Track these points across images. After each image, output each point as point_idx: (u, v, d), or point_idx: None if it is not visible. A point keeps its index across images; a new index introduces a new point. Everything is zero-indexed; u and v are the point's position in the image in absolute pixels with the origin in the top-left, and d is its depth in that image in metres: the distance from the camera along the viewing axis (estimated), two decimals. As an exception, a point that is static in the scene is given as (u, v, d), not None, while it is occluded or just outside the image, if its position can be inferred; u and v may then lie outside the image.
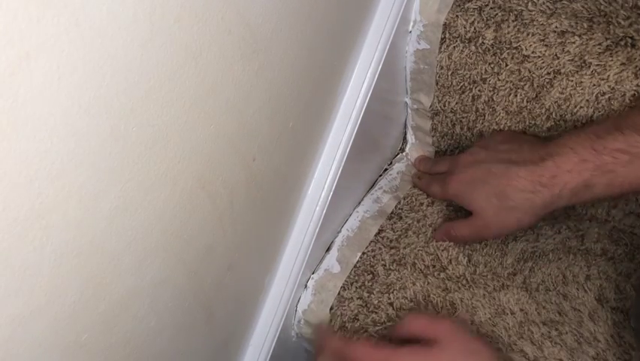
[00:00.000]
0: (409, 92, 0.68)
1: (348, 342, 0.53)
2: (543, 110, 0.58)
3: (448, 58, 0.61)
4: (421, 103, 0.68)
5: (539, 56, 0.56)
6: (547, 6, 0.56)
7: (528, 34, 0.56)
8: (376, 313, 0.61)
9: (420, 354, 0.49)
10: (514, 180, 0.53)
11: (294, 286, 0.62)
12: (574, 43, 0.54)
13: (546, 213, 0.53)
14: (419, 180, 0.71)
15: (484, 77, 0.60)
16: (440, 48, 0.61)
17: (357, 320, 0.61)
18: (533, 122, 0.60)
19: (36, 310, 0.32)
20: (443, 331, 0.50)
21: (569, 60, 0.54)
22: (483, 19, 0.57)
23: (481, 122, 0.64)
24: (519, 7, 0.56)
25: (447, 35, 0.60)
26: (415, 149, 0.75)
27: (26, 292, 0.31)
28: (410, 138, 0.74)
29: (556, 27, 0.55)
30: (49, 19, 0.25)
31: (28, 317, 0.31)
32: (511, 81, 0.59)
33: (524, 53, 0.56)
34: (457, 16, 0.58)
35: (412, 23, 0.61)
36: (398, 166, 0.75)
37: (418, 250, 0.64)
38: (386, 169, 0.75)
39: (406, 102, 0.70)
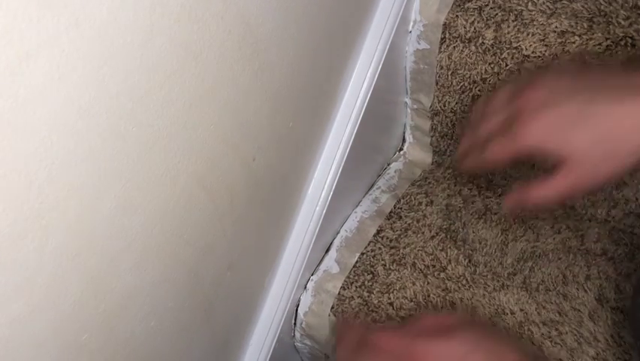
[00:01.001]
0: (409, 92, 0.68)
1: (370, 329, 0.53)
2: (543, 110, 0.58)
3: (448, 58, 0.61)
4: (421, 103, 0.68)
5: (539, 56, 0.56)
6: (548, 6, 0.56)
7: (528, 34, 0.56)
8: (376, 312, 0.61)
9: (438, 339, 0.48)
10: (625, 119, 0.44)
11: (294, 286, 0.62)
12: (574, 43, 0.54)
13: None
14: (466, 160, 0.53)
15: (484, 77, 0.60)
16: (440, 48, 0.61)
17: (358, 317, 0.61)
18: (533, 122, 0.59)
19: (36, 310, 0.32)
20: (454, 320, 0.50)
21: (569, 60, 0.54)
22: (483, 19, 0.57)
23: (481, 122, 0.64)
24: (519, 7, 0.56)
25: (447, 35, 0.60)
26: (412, 148, 0.75)
27: (26, 292, 0.31)
28: (408, 137, 0.74)
29: (556, 27, 0.55)
30: (49, 19, 0.25)
31: (28, 317, 0.31)
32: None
33: (524, 52, 0.56)
34: (457, 16, 0.58)
35: (411, 23, 0.61)
36: (395, 165, 0.75)
37: (418, 250, 0.64)
38: (384, 169, 0.75)
39: (405, 102, 0.70)
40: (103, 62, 0.29)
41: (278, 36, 0.43)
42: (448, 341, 0.48)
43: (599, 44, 0.53)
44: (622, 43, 0.53)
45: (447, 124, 0.68)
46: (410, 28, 0.61)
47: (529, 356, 0.48)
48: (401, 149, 0.76)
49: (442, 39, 0.60)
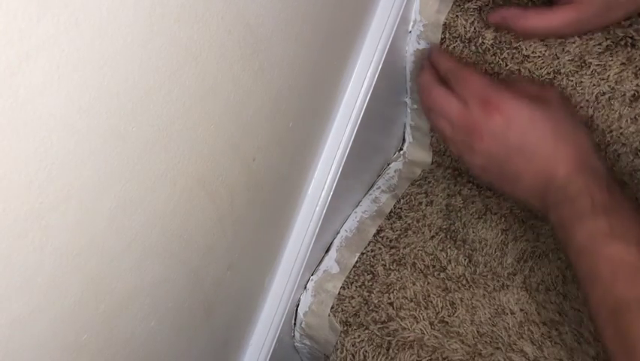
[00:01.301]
0: (409, 92, 0.68)
1: (463, 65, 0.52)
2: (543, 110, 0.58)
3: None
4: (418, 103, 0.68)
5: (539, 56, 0.56)
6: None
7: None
8: (376, 312, 0.61)
9: (526, 100, 0.48)
10: None
11: (294, 286, 0.62)
12: (574, 43, 0.54)
13: None
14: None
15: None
16: (440, 48, 0.61)
17: (358, 316, 0.61)
18: (533, 122, 0.59)
19: (36, 310, 0.32)
20: (550, 94, 0.50)
21: (569, 60, 0.54)
22: (483, 20, 0.57)
23: (481, 122, 0.64)
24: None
25: (447, 35, 0.60)
26: (412, 148, 0.75)
27: (26, 292, 0.31)
28: (408, 137, 0.74)
29: (556, 27, 0.55)
30: (49, 19, 0.25)
31: (28, 316, 0.31)
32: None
33: (524, 52, 0.56)
34: (456, 16, 0.58)
35: (411, 23, 0.61)
36: (395, 165, 0.75)
37: (418, 250, 0.64)
38: (383, 169, 0.75)
39: (405, 102, 0.70)
40: (103, 62, 0.29)
41: (278, 36, 0.43)
42: (534, 106, 0.48)
43: (599, 44, 0.53)
44: (622, 43, 0.53)
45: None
46: (410, 28, 0.61)
47: (598, 151, 0.48)
48: (401, 149, 0.76)
49: (442, 39, 0.60)
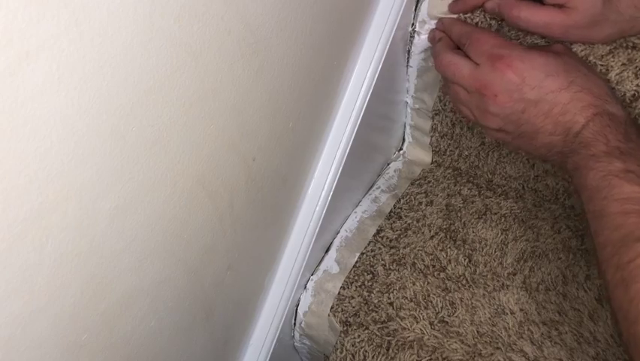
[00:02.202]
0: (413, 91, 0.68)
1: (476, 28, 0.54)
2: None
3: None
4: (424, 102, 0.68)
5: (539, 56, 0.56)
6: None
7: (528, 34, 0.56)
8: (376, 312, 0.61)
9: (537, 50, 0.49)
10: None
11: (293, 285, 0.62)
12: (579, 46, 0.54)
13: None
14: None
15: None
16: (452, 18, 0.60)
17: (358, 316, 0.61)
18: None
19: (36, 310, 0.32)
20: (559, 47, 0.50)
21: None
22: (486, 20, 0.57)
23: (481, 122, 0.64)
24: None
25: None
26: (412, 148, 0.75)
27: (26, 292, 0.31)
28: (407, 137, 0.74)
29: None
30: (49, 19, 0.25)
31: (28, 317, 0.31)
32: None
33: (524, 52, 0.56)
34: (464, 17, 0.58)
35: (419, 24, 0.61)
36: (395, 165, 0.75)
37: (418, 250, 0.64)
38: (384, 169, 0.75)
39: (406, 102, 0.70)
40: (103, 62, 0.29)
41: (278, 36, 0.43)
42: (548, 57, 0.48)
43: (604, 46, 0.53)
44: (623, 45, 0.53)
45: (447, 124, 0.68)
46: (417, 29, 0.61)
47: (618, 99, 0.48)
48: (400, 149, 0.76)
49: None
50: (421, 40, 0.62)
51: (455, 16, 0.58)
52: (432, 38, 0.59)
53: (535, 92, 0.47)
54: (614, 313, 0.40)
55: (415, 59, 0.64)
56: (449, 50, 0.54)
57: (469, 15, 0.58)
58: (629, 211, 0.40)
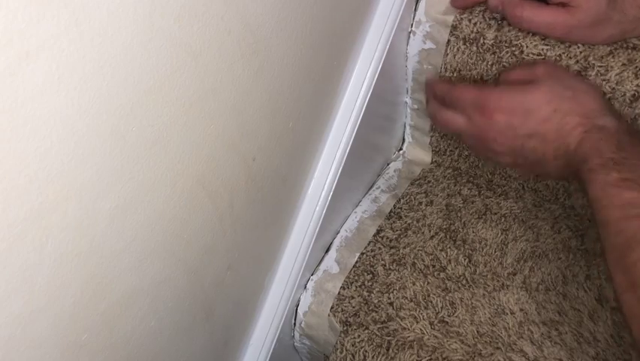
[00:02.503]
0: (410, 92, 0.68)
1: (453, 85, 0.57)
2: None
3: (452, 59, 0.61)
4: (422, 103, 0.68)
5: (541, 55, 0.56)
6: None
7: (529, 34, 0.56)
8: (376, 312, 0.61)
9: (514, 90, 0.51)
10: None
11: (293, 285, 0.62)
12: (578, 47, 0.54)
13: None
14: None
15: (484, 78, 0.60)
16: (446, 50, 0.61)
17: (358, 316, 0.61)
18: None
19: (36, 310, 0.32)
20: (540, 72, 0.52)
21: (574, 62, 0.54)
22: (485, 20, 0.57)
23: (481, 122, 0.64)
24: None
25: (452, 37, 0.60)
26: (412, 148, 0.75)
27: (26, 292, 0.31)
28: (407, 137, 0.74)
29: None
30: (49, 19, 0.25)
31: (28, 317, 0.31)
32: (511, 81, 0.59)
33: (525, 52, 0.56)
34: (462, 18, 0.58)
35: (415, 24, 0.61)
36: (395, 165, 0.75)
37: (418, 250, 0.64)
38: (384, 169, 0.75)
39: (406, 102, 0.70)
40: (103, 62, 0.29)
41: (278, 36, 0.43)
42: (525, 93, 0.50)
43: (604, 47, 0.53)
44: (623, 45, 0.53)
45: (447, 124, 0.68)
46: (414, 29, 0.61)
47: (610, 108, 0.50)
48: (400, 148, 0.76)
49: (448, 41, 0.60)
50: (416, 40, 0.62)
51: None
52: (426, 99, 0.63)
53: (524, 129, 0.51)
54: (626, 318, 0.40)
55: (411, 61, 0.64)
56: (441, 109, 0.58)
57: (466, 16, 0.58)
58: (630, 216, 0.41)
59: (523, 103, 0.50)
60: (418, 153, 0.74)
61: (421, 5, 0.60)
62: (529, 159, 0.52)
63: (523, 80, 0.52)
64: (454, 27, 0.59)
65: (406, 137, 0.75)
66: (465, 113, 0.55)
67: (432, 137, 0.71)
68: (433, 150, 0.73)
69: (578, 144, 0.48)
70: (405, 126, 0.74)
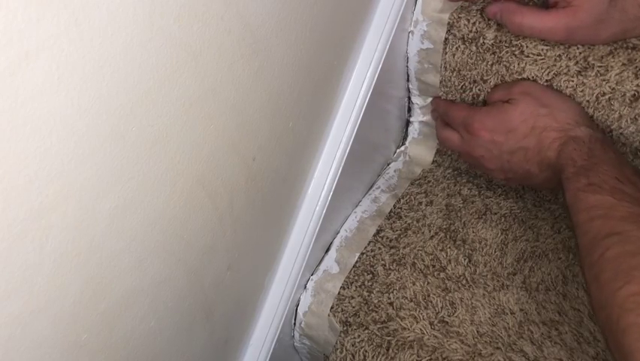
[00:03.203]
0: (418, 92, 0.68)
1: (450, 104, 0.63)
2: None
3: (451, 58, 0.61)
4: (427, 101, 0.68)
5: (540, 55, 0.56)
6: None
7: (531, 40, 0.56)
8: (376, 312, 0.61)
9: (495, 110, 0.56)
10: None
11: (294, 285, 0.62)
12: (577, 48, 0.54)
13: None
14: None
15: (484, 78, 0.60)
16: (445, 49, 0.61)
17: (358, 316, 0.61)
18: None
19: (36, 310, 0.32)
20: (517, 91, 0.56)
21: (573, 62, 0.54)
22: (484, 19, 0.57)
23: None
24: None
25: (450, 36, 0.60)
26: (415, 146, 0.74)
27: (26, 292, 0.31)
28: (413, 133, 0.73)
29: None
30: (49, 19, 0.25)
31: (28, 317, 0.31)
32: (511, 81, 0.59)
33: (525, 52, 0.56)
34: (459, 16, 0.58)
35: (413, 23, 0.61)
36: (395, 165, 0.75)
37: (418, 250, 0.64)
38: (384, 169, 0.75)
39: (410, 99, 0.70)
40: (103, 62, 0.29)
41: (278, 36, 0.43)
42: (504, 112, 0.55)
43: (603, 47, 0.53)
44: (623, 45, 0.53)
45: (448, 124, 0.68)
46: (412, 28, 0.61)
47: (584, 119, 0.53)
48: (402, 144, 0.75)
49: (445, 39, 0.60)
50: (415, 40, 0.62)
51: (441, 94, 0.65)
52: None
53: (507, 146, 0.55)
54: (594, 310, 0.43)
55: (412, 61, 0.64)
56: (443, 127, 0.63)
57: (464, 15, 0.58)
58: (594, 217, 0.45)
59: (503, 122, 0.55)
60: (420, 150, 0.74)
61: (419, 4, 0.60)
62: (519, 174, 0.56)
63: (503, 99, 0.56)
64: (450, 25, 0.59)
65: (410, 133, 0.74)
66: (458, 132, 0.60)
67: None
68: (438, 149, 0.72)
69: (556, 156, 0.51)
70: (408, 124, 0.73)
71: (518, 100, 0.55)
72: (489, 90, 0.60)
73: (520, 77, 0.58)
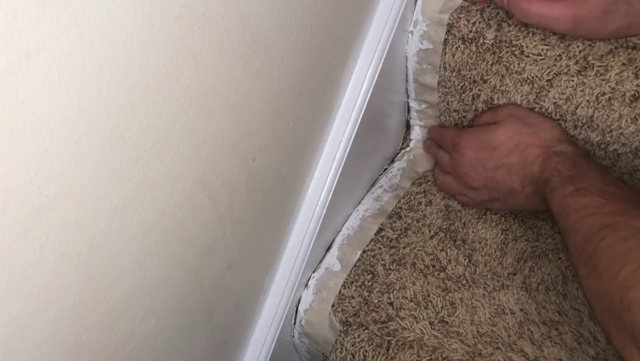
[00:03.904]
0: (414, 94, 0.68)
1: (442, 128, 0.68)
2: (542, 111, 0.58)
3: (450, 58, 0.61)
4: (428, 103, 0.68)
5: (540, 55, 0.56)
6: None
7: (529, 33, 0.56)
8: (376, 312, 0.61)
9: (481, 130, 0.59)
10: None
11: (294, 285, 0.62)
12: (577, 47, 0.54)
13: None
14: None
15: (484, 78, 0.60)
16: (444, 49, 0.61)
17: (358, 316, 0.61)
18: (533, 122, 0.59)
19: (36, 310, 0.32)
20: (502, 114, 0.58)
21: (573, 62, 0.54)
22: (484, 20, 0.57)
23: (481, 122, 0.64)
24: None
25: (449, 36, 0.60)
26: (419, 148, 0.74)
27: (26, 292, 0.31)
28: (416, 137, 0.74)
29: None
30: (49, 19, 0.25)
31: (28, 316, 0.31)
32: (511, 81, 0.59)
33: (525, 52, 0.56)
34: (459, 17, 0.58)
35: (413, 23, 0.61)
36: (399, 164, 0.75)
37: (418, 250, 0.64)
38: (386, 168, 0.75)
39: (408, 102, 0.70)
40: (103, 62, 0.29)
41: (278, 36, 0.43)
42: (489, 132, 0.58)
43: (603, 46, 0.53)
44: (623, 45, 0.53)
45: (450, 123, 0.68)
46: (411, 28, 0.61)
47: (566, 137, 0.56)
48: (407, 146, 0.75)
49: (445, 39, 0.60)
50: (414, 40, 0.62)
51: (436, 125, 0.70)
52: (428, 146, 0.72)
53: (491, 162, 0.57)
54: (590, 303, 0.44)
55: (410, 61, 0.64)
56: (437, 148, 0.67)
57: (464, 15, 0.58)
58: (584, 216, 0.46)
59: (488, 140, 0.57)
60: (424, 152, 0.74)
61: (419, 4, 0.60)
62: (502, 192, 0.58)
63: (490, 122, 0.59)
64: (450, 25, 0.59)
65: (414, 137, 0.74)
66: (449, 152, 0.63)
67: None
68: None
69: (540, 170, 0.53)
70: (409, 126, 0.73)
71: (504, 121, 0.57)
72: (489, 90, 0.61)
73: (520, 77, 0.58)
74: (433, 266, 0.63)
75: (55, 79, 0.26)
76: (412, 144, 0.75)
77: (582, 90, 0.55)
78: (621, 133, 0.54)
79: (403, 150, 0.75)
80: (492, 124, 0.58)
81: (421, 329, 0.59)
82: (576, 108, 0.56)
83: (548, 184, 0.51)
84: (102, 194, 0.33)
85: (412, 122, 0.73)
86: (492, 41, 0.57)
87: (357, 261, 0.65)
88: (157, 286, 0.42)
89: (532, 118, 0.57)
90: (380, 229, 0.68)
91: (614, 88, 0.53)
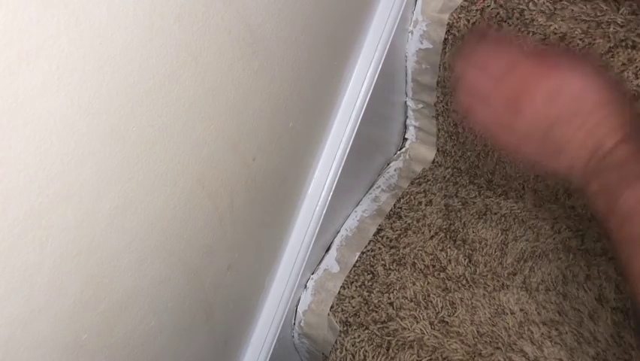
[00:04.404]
0: (412, 93, 0.68)
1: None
2: (543, 110, 0.58)
3: (450, 58, 0.61)
4: (424, 103, 0.68)
5: (539, 56, 0.56)
6: (547, 6, 0.56)
7: (529, 33, 0.56)
8: (376, 312, 0.61)
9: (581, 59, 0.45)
10: None
11: (294, 285, 0.62)
12: (577, 47, 0.54)
13: None
14: None
15: (484, 76, 0.60)
16: (444, 49, 0.61)
17: (358, 316, 0.61)
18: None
19: (36, 310, 0.32)
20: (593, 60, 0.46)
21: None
22: (484, 20, 0.57)
23: (481, 122, 0.63)
24: (520, 7, 0.56)
25: (449, 36, 0.60)
26: (415, 147, 0.75)
27: (26, 292, 0.31)
28: (411, 137, 0.74)
29: (555, 29, 0.55)
30: (49, 19, 0.25)
31: (28, 316, 0.31)
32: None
33: (524, 52, 0.56)
34: (459, 17, 0.58)
35: (412, 23, 0.61)
36: (395, 164, 0.75)
37: (418, 250, 0.64)
38: (383, 169, 0.75)
39: (406, 102, 0.70)
40: (103, 62, 0.29)
41: (278, 37, 0.43)
42: (586, 71, 0.42)
43: (602, 46, 0.53)
44: (623, 45, 0.53)
45: (450, 123, 0.68)
46: (411, 28, 0.61)
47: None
48: (402, 147, 0.76)
49: (444, 39, 0.60)
50: (414, 40, 0.62)
51: None
52: None
53: (571, 105, 0.44)
54: None
55: (410, 61, 0.64)
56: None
57: (464, 15, 0.58)
58: None
59: (584, 80, 0.43)
60: (421, 150, 0.74)
61: (419, 4, 0.60)
62: (546, 143, 0.45)
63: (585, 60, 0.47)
64: (450, 25, 0.59)
65: (409, 137, 0.74)
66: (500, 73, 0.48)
67: (439, 138, 0.71)
68: (438, 150, 0.72)
69: (615, 145, 0.42)
70: (406, 126, 0.74)
71: (599, 69, 0.48)
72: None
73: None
74: (433, 266, 0.63)
75: (55, 79, 0.26)
76: (407, 144, 0.75)
77: (582, 90, 0.55)
78: (621, 133, 0.54)
79: (398, 151, 0.75)
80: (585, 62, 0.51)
81: (421, 329, 0.59)
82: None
83: (621, 170, 0.41)
84: (102, 194, 0.33)
85: (407, 122, 0.73)
86: (492, 41, 0.57)
87: (357, 262, 0.65)
88: (157, 285, 0.42)
89: (620, 85, 0.50)
90: (380, 229, 0.68)
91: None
